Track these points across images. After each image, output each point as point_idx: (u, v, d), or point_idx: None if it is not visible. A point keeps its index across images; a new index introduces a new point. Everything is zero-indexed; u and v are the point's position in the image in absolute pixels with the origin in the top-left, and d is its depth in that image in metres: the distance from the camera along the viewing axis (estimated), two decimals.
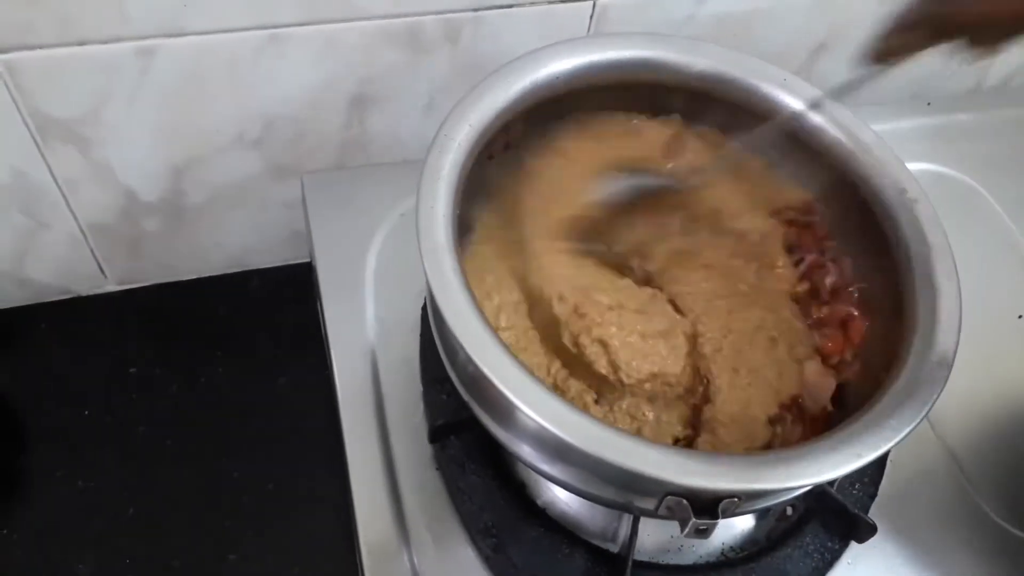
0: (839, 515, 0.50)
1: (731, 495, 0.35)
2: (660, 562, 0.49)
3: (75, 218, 0.61)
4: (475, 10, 0.57)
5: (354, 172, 0.64)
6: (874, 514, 0.51)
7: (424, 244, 0.40)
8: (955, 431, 0.57)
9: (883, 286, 0.47)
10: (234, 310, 0.69)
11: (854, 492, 0.52)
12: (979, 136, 0.73)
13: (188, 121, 0.57)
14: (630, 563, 0.46)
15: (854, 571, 0.51)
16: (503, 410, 0.41)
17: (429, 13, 0.56)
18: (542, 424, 0.36)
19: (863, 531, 0.50)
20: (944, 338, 0.40)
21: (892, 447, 0.37)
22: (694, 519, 0.36)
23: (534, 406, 0.36)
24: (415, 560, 0.49)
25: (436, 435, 0.51)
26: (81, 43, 0.50)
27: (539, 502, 0.50)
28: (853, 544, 0.51)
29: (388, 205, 0.62)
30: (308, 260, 0.66)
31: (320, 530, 0.59)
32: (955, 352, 0.40)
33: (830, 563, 0.50)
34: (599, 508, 0.48)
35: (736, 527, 0.50)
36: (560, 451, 0.40)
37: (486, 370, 0.37)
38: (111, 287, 0.69)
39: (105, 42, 0.50)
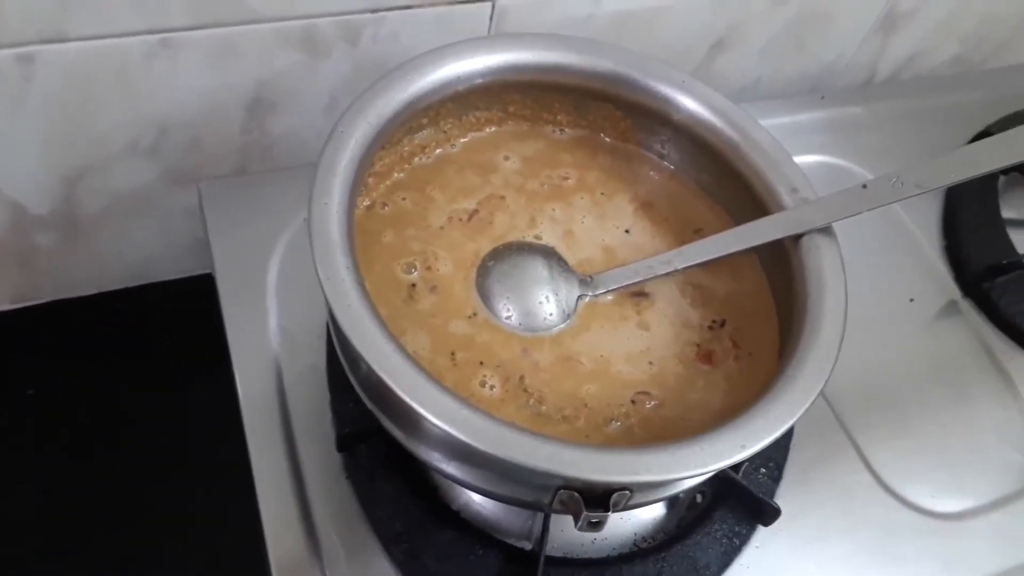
0: (745, 500, 0.52)
1: (621, 487, 0.36)
2: (573, 556, 0.49)
3: None
4: (373, 11, 0.56)
5: (255, 177, 0.63)
6: (780, 496, 0.53)
7: (317, 246, 0.39)
8: (854, 412, 0.59)
9: (777, 279, 0.48)
10: (138, 325, 0.67)
11: (759, 477, 0.53)
12: (870, 128, 0.76)
13: (78, 129, 0.55)
14: (542, 560, 0.46)
15: (762, 553, 0.52)
16: (403, 412, 0.40)
17: (325, 15, 0.55)
18: (434, 422, 0.36)
19: (768, 514, 0.51)
20: (829, 331, 0.41)
21: (776, 439, 0.38)
22: (585, 511, 0.36)
23: (429, 406, 0.36)
24: (327, 574, 0.48)
25: (344, 443, 0.50)
26: None
27: (453, 506, 0.50)
28: (760, 527, 0.52)
29: (291, 210, 0.60)
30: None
31: (234, 550, 0.57)
32: (839, 346, 0.41)
33: (739, 548, 0.51)
34: (512, 507, 0.48)
35: (647, 517, 0.51)
36: (457, 449, 0.39)
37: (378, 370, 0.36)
38: (3, 306, 0.65)
39: None
